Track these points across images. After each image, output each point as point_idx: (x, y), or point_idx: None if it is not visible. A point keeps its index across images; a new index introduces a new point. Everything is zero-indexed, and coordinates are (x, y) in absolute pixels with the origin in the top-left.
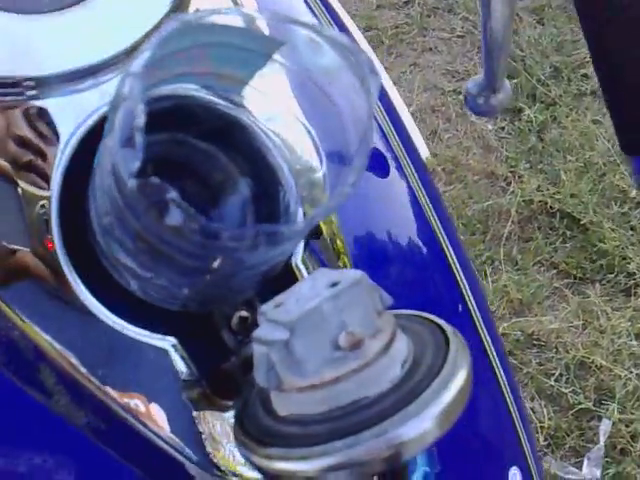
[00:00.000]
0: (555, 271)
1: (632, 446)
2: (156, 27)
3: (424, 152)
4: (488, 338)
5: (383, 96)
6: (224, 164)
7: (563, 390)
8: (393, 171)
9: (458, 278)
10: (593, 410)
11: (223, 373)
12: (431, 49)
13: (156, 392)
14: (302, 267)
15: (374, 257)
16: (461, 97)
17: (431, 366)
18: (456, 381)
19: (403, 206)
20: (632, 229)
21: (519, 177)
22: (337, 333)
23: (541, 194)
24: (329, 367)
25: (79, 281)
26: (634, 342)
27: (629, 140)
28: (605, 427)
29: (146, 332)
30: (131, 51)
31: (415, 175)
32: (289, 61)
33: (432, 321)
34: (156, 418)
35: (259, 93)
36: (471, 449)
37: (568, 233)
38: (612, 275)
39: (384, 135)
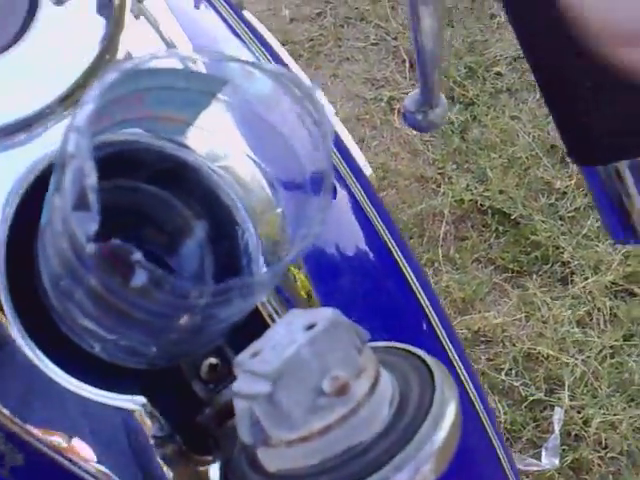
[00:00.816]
0: (493, 267)
1: (586, 431)
2: (87, 73)
3: (367, 170)
4: (454, 352)
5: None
6: (177, 208)
7: (514, 383)
8: (341, 192)
9: (419, 296)
10: (545, 400)
11: (197, 426)
12: (348, 59)
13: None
14: (268, 306)
15: (329, 277)
16: (383, 104)
17: (419, 402)
18: (447, 416)
19: (355, 226)
20: (561, 219)
21: (448, 178)
22: (320, 379)
23: (470, 193)
24: (317, 416)
25: (38, 351)
26: (576, 329)
27: (575, 149)
28: (558, 416)
29: (112, 395)
30: (64, 99)
31: (364, 194)
32: (231, 97)
33: (409, 352)
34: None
35: (205, 132)
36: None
37: (501, 229)
38: (548, 266)
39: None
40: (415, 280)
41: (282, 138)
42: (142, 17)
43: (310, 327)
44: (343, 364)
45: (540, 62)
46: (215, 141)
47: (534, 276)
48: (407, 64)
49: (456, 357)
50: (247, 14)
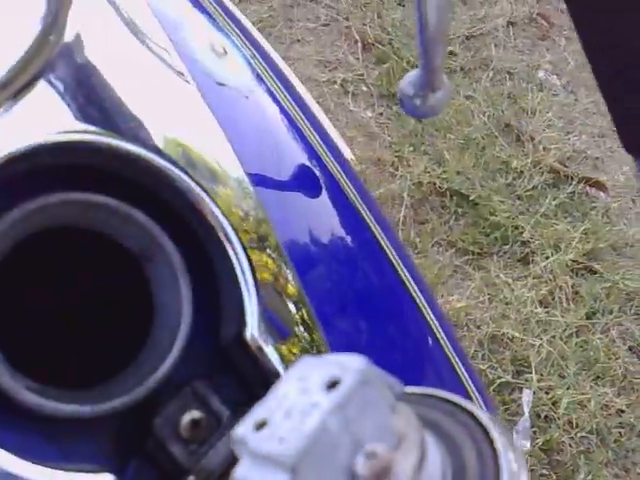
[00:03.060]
0: (454, 250)
1: (555, 412)
2: (28, 56)
3: (348, 154)
4: (444, 336)
5: (307, 110)
6: (145, 226)
7: (481, 367)
8: (328, 187)
9: (404, 278)
10: (513, 382)
11: None
12: (299, 40)
13: None
14: (260, 339)
15: (325, 283)
16: (336, 87)
17: (480, 477)
18: None
19: (343, 221)
20: (519, 198)
21: (405, 161)
22: (351, 457)
23: (428, 175)
24: None
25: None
26: (539, 309)
27: (631, 140)
28: (527, 397)
29: (79, 476)
30: (3, 87)
31: (351, 187)
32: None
33: (450, 401)
34: None
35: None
36: None
37: (459, 210)
38: (508, 246)
39: (313, 151)
40: (405, 270)
41: (261, 129)
42: None
43: (332, 384)
44: (378, 433)
45: (608, 44)
46: (195, 143)
47: (495, 257)
48: (360, 45)
49: (448, 345)
50: None
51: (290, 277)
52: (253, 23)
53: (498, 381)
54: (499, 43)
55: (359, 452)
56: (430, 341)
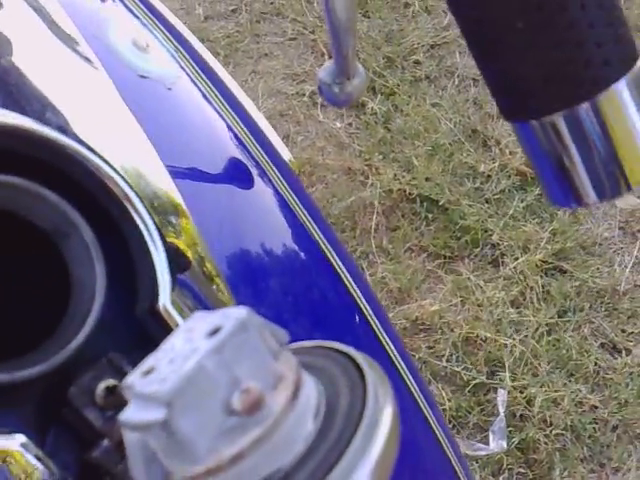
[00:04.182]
0: (425, 254)
1: (530, 410)
2: None
3: (286, 155)
4: (390, 345)
5: (235, 104)
6: (56, 204)
7: (456, 369)
8: (258, 179)
9: (347, 284)
10: (487, 383)
11: (95, 462)
12: (267, 54)
13: None
14: (172, 310)
15: (252, 276)
16: (305, 99)
17: (349, 411)
18: (382, 425)
19: (275, 214)
20: (487, 202)
21: (375, 169)
22: (229, 394)
23: (398, 182)
24: (226, 441)
25: None
26: (511, 309)
27: (506, 105)
28: (502, 397)
29: None
30: None
31: (282, 180)
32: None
33: (338, 350)
34: None
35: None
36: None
37: (430, 216)
38: (478, 249)
39: (242, 143)
40: (346, 272)
41: (188, 122)
42: None
43: (215, 332)
44: (256, 373)
45: (469, 7)
46: (104, 125)
47: (466, 260)
48: (327, 57)
49: (395, 352)
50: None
51: (202, 249)
52: (219, 39)
53: (473, 382)
54: (463, 51)
55: (235, 390)
56: (357, 317)
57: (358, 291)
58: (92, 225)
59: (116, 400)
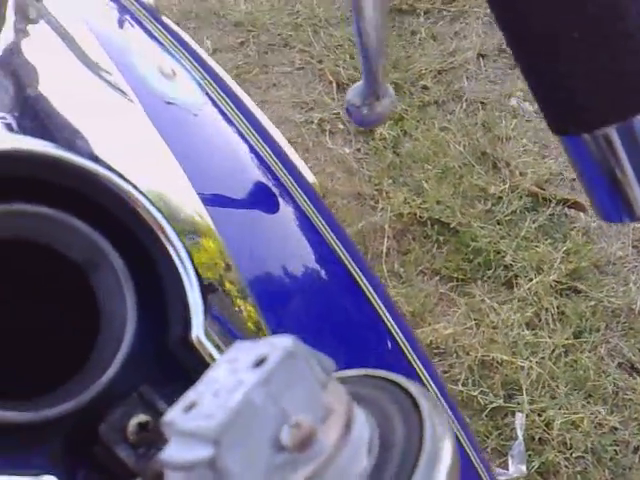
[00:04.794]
0: (438, 277)
1: (549, 434)
2: None
3: (310, 177)
4: (422, 369)
5: (259, 128)
6: (87, 235)
7: (472, 393)
8: (285, 203)
9: (377, 307)
10: (505, 407)
11: None
12: (275, 85)
13: None
14: (205, 341)
15: (282, 301)
16: (314, 126)
17: (405, 446)
18: (443, 460)
19: (302, 237)
20: (499, 223)
21: (385, 193)
22: (277, 428)
23: (409, 206)
24: (276, 479)
25: None
26: (526, 331)
27: (557, 119)
28: (520, 421)
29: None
30: None
31: (308, 203)
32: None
33: (386, 379)
34: None
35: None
36: None
37: (441, 238)
38: (491, 271)
39: (268, 167)
40: (375, 295)
41: (215, 147)
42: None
43: (260, 362)
44: (305, 406)
45: (520, 19)
46: (136, 152)
47: (479, 282)
48: (334, 85)
49: (428, 377)
50: (165, 19)
51: (235, 278)
52: (229, 71)
53: (490, 406)
54: (470, 75)
55: (285, 425)
56: (389, 344)
57: (388, 315)
58: (122, 254)
59: (149, 437)
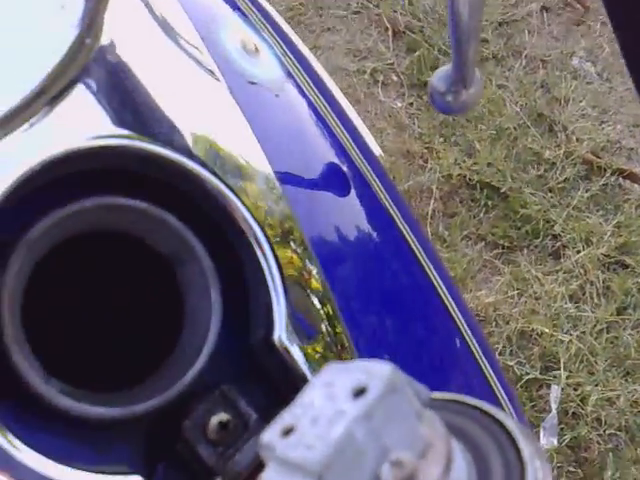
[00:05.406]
0: (483, 243)
1: (583, 409)
2: (64, 61)
3: (377, 150)
4: (489, 368)
5: (336, 106)
6: (176, 229)
7: (509, 363)
8: (356, 186)
9: (442, 295)
10: (541, 379)
11: None
12: (329, 29)
13: None
14: (288, 342)
15: (354, 288)
16: (366, 77)
17: None
18: None
19: (373, 221)
20: (550, 191)
21: (435, 153)
22: (377, 465)
23: (459, 167)
24: None
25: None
26: (569, 304)
27: None
28: (555, 394)
29: (108, 477)
30: (40, 94)
31: (377, 182)
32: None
33: (476, 408)
34: None
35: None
36: None
37: (490, 203)
38: (539, 240)
39: (343, 150)
40: (440, 281)
41: (291, 127)
42: None
43: (359, 391)
44: (404, 441)
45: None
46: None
47: (525, 251)
48: (390, 33)
49: (493, 376)
50: None
51: (315, 273)
52: (282, 12)
53: (526, 377)
54: (532, 29)
55: (385, 460)
56: (458, 342)
57: (454, 304)
58: (209, 251)
59: (229, 436)
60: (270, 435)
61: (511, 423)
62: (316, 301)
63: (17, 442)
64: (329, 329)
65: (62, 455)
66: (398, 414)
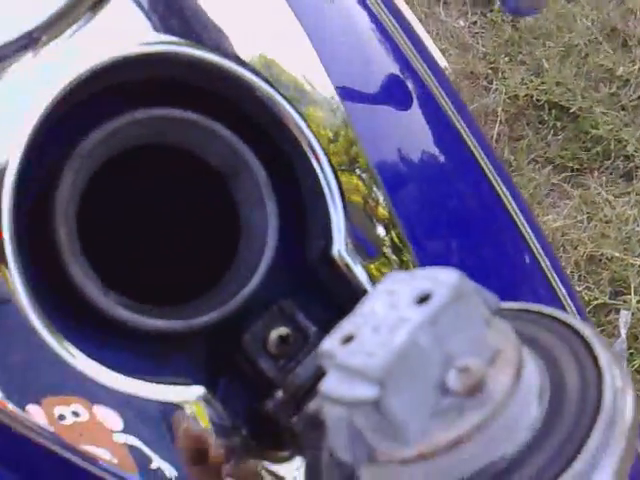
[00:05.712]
0: (551, 166)
1: None
2: None
3: (442, 62)
4: (561, 286)
5: (394, 10)
6: (229, 141)
7: (577, 288)
8: (421, 96)
9: (518, 223)
10: (610, 304)
11: (267, 414)
12: None
13: None
14: (347, 257)
15: (418, 202)
16: None
17: (581, 397)
18: (626, 417)
19: (437, 133)
20: (623, 109)
21: (501, 73)
22: (443, 371)
23: (525, 87)
24: (440, 424)
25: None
26: None
27: None
28: (624, 319)
29: (164, 388)
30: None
31: (443, 95)
32: None
33: (549, 316)
34: None
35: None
36: None
37: (559, 124)
38: (610, 161)
39: (403, 56)
40: (510, 199)
41: (348, 35)
42: None
43: (423, 298)
44: (472, 348)
45: None
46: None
47: (595, 173)
48: None
49: (561, 287)
50: None
51: (381, 198)
52: None
53: (594, 302)
54: None
55: (451, 367)
56: (528, 260)
57: (525, 222)
58: (264, 163)
59: (288, 349)
60: (330, 343)
61: (586, 329)
62: (380, 225)
63: (73, 349)
64: (393, 253)
65: (120, 366)
66: (465, 321)
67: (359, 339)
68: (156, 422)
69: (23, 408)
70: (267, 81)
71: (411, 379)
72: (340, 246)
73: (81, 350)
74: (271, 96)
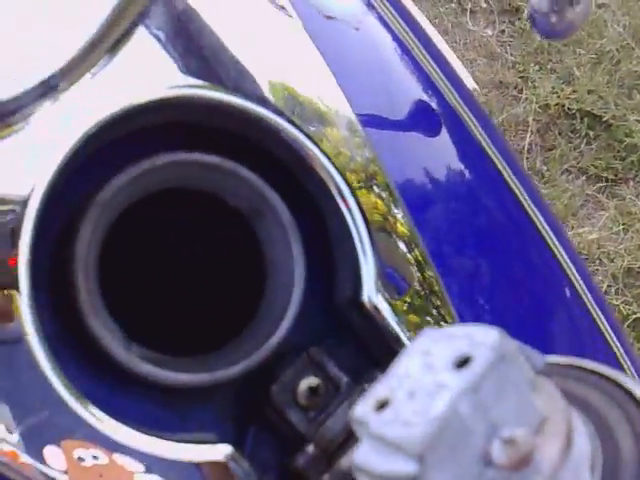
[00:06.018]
0: (585, 177)
1: None
2: (119, 7)
3: (470, 83)
4: (596, 308)
5: (421, 35)
6: (252, 183)
7: (614, 302)
8: (447, 123)
9: (551, 244)
10: None
11: (297, 470)
12: None
13: None
14: (379, 302)
15: (449, 229)
16: (453, 5)
17: (636, 464)
18: None
19: (468, 162)
20: None
21: (531, 82)
22: (486, 442)
23: (556, 96)
24: None
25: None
26: None
27: None
28: None
29: (190, 447)
30: (96, 44)
31: (471, 117)
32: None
33: (598, 373)
34: None
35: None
36: None
37: (591, 133)
38: None
39: (430, 81)
40: (545, 224)
41: (372, 63)
42: None
43: (462, 362)
44: (517, 416)
45: None
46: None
47: (631, 183)
48: None
49: (610, 332)
50: None
51: (401, 217)
52: None
53: (633, 316)
54: None
55: (495, 438)
56: (564, 285)
57: (557, 242)
58: (288, 204)
59: (319, 400)
60: (363, 409)
61: (633, 384)
62: (403, 246)
63: (98, 412)
64: (418, 275)
65: (145, 423)
66: (509, 385)
67: (394, 405)
68: (180, 463)
69: (42, 449)
70: (291, 122)
71: (452, 452)
72: (370, 291)
73: (101, 406)
74: (296, 137)
